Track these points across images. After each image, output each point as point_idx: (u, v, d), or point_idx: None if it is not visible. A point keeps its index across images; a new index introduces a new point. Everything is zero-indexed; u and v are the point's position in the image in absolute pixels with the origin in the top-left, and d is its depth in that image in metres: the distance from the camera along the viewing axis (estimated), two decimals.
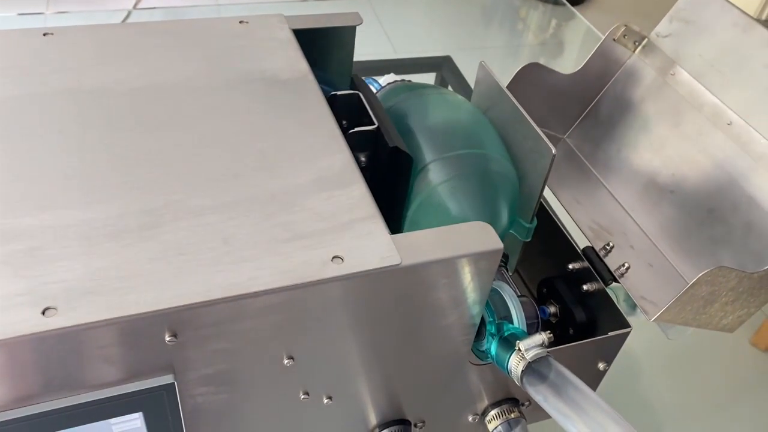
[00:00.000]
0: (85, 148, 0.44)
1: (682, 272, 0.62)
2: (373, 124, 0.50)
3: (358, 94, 0.53)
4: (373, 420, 0.51)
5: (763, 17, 2.54)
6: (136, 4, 1.98)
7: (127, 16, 1.30)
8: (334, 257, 0.39)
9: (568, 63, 1.54)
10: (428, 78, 1.13)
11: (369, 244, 0.40)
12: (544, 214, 0.62)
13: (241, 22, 0.57)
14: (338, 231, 0.41)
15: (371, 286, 0.40)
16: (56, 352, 0.35)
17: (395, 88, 0.63)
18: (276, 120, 0.48)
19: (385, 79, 0.71)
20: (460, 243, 0.41)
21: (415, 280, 0.41)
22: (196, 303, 0.36)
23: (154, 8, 1.85)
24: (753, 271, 0.52)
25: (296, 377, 0.43)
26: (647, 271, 0.61)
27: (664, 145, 0.67)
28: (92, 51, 0.52)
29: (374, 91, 0.66)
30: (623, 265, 0.59)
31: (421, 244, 0.41)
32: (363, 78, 0.68)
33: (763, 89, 0.61)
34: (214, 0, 2.02)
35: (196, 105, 0.48)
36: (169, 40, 0.54)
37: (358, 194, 0.43)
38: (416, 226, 0.51)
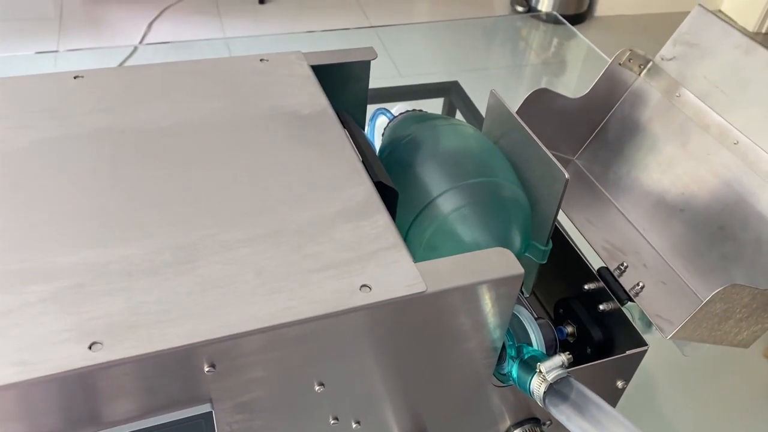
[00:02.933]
0: (119, 186, 0.46)
1: (695, 290, 0.63)
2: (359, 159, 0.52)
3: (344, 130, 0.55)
4: None
5: (763, 30, 2.57)
6: (143, 38, 2.02)
7: (134, 51, 1.33)
8: (362, 286, 0.41)
9: (571, 81, 1.56)
10: (437, 102, 1.15)
11: (395, 272, 0.42)
12: (558, 236, 0.63)
13: (261, 60, 0.59)
14: (365, 260, 0.42)
15: (398, 313, 0.41)
16: (100, 385, 0.36)
17: (406, 119, 0.65)
18: (300, 154, 0.50)
19: (397, 109, 0.73)
20: (481, 269, 0.43)
21: (440, 306, 0.42)
22: (234, 334, 0.37)
23: (162, 43, 1.88)
24: (766, 288, 0.54)
25: (327, 403, 0.45)
26: (661, 289, 0.63)
27: (673, 164, 0.69)
28: (121, 92, 0.54)
29: (387, 121, 0.68)
30: (638, 284, 0.60)
31: (444, 271, 0.42)
32: (377, 108, 0.70)
33: (766, 108, 0.63)
34: (222, 31, 2.06)
35: (223, 142, 0.51)
36: (195, 80, 0.56)
37: (382, 224, 0.45)
38: (432, 252, 0.53)
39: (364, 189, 0.48)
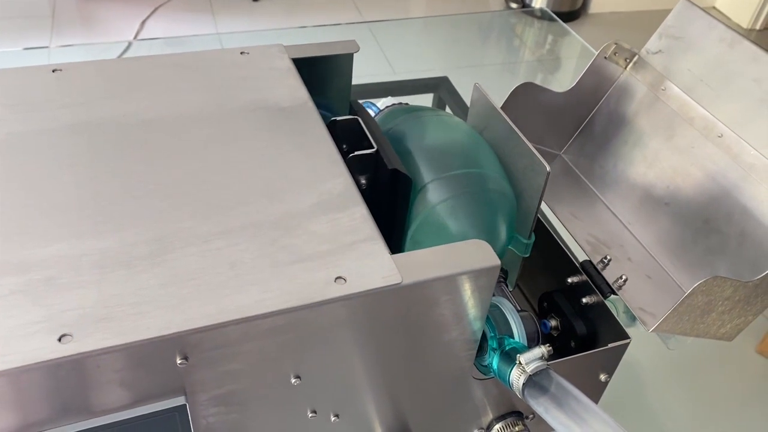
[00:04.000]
0: (95, 179, 0.46)
1: (679, 283, 0.63)
2: (372, 147, 0.52)
3: (357, 119, 0.55)
4: None
5: (758, 27, 2.57)
6: (137, 35, 2.02)
7: (128, 48, 1.33)
8: (337, 278, 0.40)
9: (566, 78, 1.56)
10: (426, 99, 1.15)
11: (371, 264, 0.42)
12: (542, 230, 0.63)
13: (242, 53, 0.59)
14: (341, 252, 0.42)
15: (374, 305, 0.41)
16: (71, 378, 0.36)
17: (393, 111, 0.65)
18: (278, 147, 0.50)
19: (383, 103, 0.73)
20: (458, 261, 0.43)
21: (416, 297, 0.42)
22: (206, 326, 0.37)
23: (156, 39, 1.88)
24: (748, 280, 0.53)
25: (304, 396, 0.45)
26: (645, 282, 0.63)
27: (658, 158, 0.69)
28: (100, 85, 0.54)
29: (372, 114, 0.68)
30: (621, 278, 0.60)
31: (420, 263, 0.42)
32: (361, 102, 0.70)
33: (750, 102, 0.63)
34: (215, 29, 2.06)
35: (201, 135, 0.50)
36: (174, 73, 0.56)
37: (359, 216, 0.45)
38: (417, 245, 0.53)
39: (342, 182, 0.47)
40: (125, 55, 1.26)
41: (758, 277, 0.54)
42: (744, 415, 0.78)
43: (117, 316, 0.37)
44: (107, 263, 0.40)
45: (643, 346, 0.55)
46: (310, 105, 0.54)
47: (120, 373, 0.37)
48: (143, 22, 2.10)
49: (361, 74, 0.67)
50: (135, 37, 1.93)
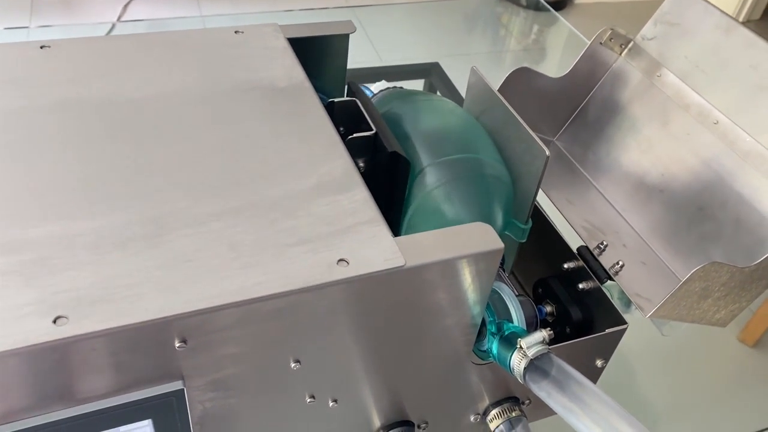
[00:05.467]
0: (88, 158, 0.44)
1: (674, 269, 0.63)
2: (371, 129, 0.51)
3: (355, 101, 0.54)
4: (377, 422, 0.51)
5: (741, 18, 2.59)
6: (120, 17, 1.98)
7: (111, 29, 1.30)
8: (339, 260, 0.40)
9: (551, 67, 1.56)
10: (417, 84, 1.14)
11: (373, 246, 0.41)
12: (537, 216, 0.63)
13: (236, 32, 0.57)
14: (342, 234, 0.41)
15: (376, 288, 0.41)
16: (66, 361, 0.35)
17: (388, 95, 0.64)
18: (276, 127, 0.49)
19: (377, 87, 0.72)
20: (462, 244, 0.42)
21: (419, 281, 0.42)
22: (205, 308, 0.36)
23: (139, 21, 1.85)
24: (744, 266, 0.54)
25: (303, 381, 0.44)
26: (640, 268, 0.63)
27: (653, 145, 0.69)
28: (90, 63, 0.52)
29: None
30: (617, 263, 0.60)
31: (423, 246, 0.42)
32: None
33: (746, 88, 0.63)
34: (199, 11, 2.03)
35: (196, 114, 0.49)
36: (167, 51, 0.54)
37: (360, 198, 0.44)
38: (413, 230, 0.52)
39: (342, 163, 0.46)
40: None
41: (755, 263, 0.54)
42: (725, 401, 0.79)
43: (113, 297, 0.36)
44: (102, 244, 0.39)
45: (632, 331, 0.55)
46: (307, 85, 0.53)
47: (116, 357, 0.36)
48: (126, 5, 2.06)
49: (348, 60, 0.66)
50: (118, 20, 1.89)
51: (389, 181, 0.51)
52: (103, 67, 0.52)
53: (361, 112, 0.53)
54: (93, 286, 0.36)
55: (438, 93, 1.10)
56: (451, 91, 1.05)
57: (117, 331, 0.35)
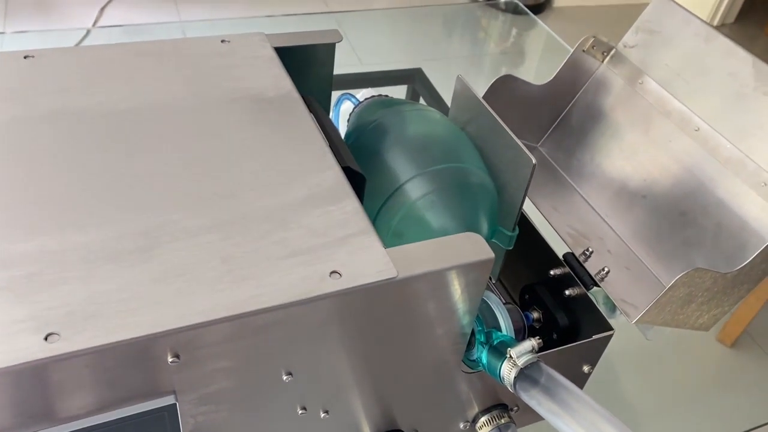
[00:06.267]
0: (76, 171, 0.44)
1: (657, 275, 0.64)
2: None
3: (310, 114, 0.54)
4: (367, 431, 0.51)
5: (715, 23, 2.63)
6: (96, 22, 1.96)
7: (86, 35, 1.29)
8: (332, 272, 0.40)
9: (530, 71, 1.57)
10: (400, 90, 1.14)
11: (365, 258, 0.41)
12: (523, 222, 0.63)
13: (223, 41, 0.57)
14: (334, 246, 0.41)
15: (368, 300, 0.41)
16: (58, 378, 0.35)
17: (372, 104, 0.64)
18: (265, 138, 0.49)
19: (362, 94, 0.72)
20: (453, 254, 0.42)
21: (411, 292, 0.42)
22: (199, 323, 0.36)
23: (115, 26, 1.83)
24: (727, 272, 0.55)
25: (294, 393, 0.44)
26: (625, 274, 0.64)
27: (635, 151, 0.70)
28: (75, 73, 0.52)
29: (352, 106, 0.67)
30: (603, 269, 0.61)
31: (415, 257, 0.42)
32: (340, 93, 0.69)
33: (726, 96, 0.64)
34: (177, 17, 2.01)
35: (184, 125, 0.49)
36: (153, 61, 0.54)
37: (351, 209, 0.44)
38: (400, 239, 0.52)
39: (333, 174, 0.46)
40: (84, 44, 1.22)
41: (737, 268, 0.55)
42: (705, 401, 0.80)
43: (106, 313, 0.35)
44: (93, 258, 0.38)
45: (616, 336, 0.56)
46: (295, 95, 0.53)
47: (108, 373, 0.36)
48: (102, 9, 2.03)
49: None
50: (94, 25, 1.87)
51: None
52: (88, 77, 0.52)
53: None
54: (85, 301, 0.36)
55: (421, 98, 1.10)
56: (434, 97, 1.06)
57: (109, 347, 0.34)
